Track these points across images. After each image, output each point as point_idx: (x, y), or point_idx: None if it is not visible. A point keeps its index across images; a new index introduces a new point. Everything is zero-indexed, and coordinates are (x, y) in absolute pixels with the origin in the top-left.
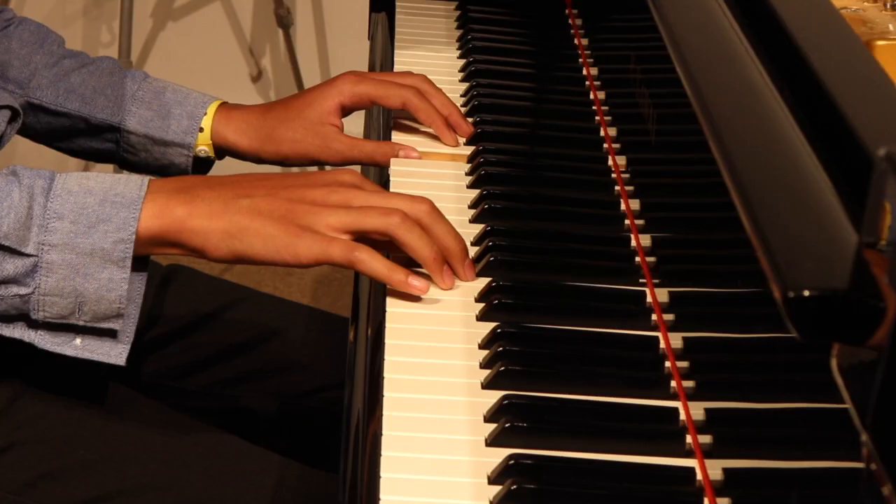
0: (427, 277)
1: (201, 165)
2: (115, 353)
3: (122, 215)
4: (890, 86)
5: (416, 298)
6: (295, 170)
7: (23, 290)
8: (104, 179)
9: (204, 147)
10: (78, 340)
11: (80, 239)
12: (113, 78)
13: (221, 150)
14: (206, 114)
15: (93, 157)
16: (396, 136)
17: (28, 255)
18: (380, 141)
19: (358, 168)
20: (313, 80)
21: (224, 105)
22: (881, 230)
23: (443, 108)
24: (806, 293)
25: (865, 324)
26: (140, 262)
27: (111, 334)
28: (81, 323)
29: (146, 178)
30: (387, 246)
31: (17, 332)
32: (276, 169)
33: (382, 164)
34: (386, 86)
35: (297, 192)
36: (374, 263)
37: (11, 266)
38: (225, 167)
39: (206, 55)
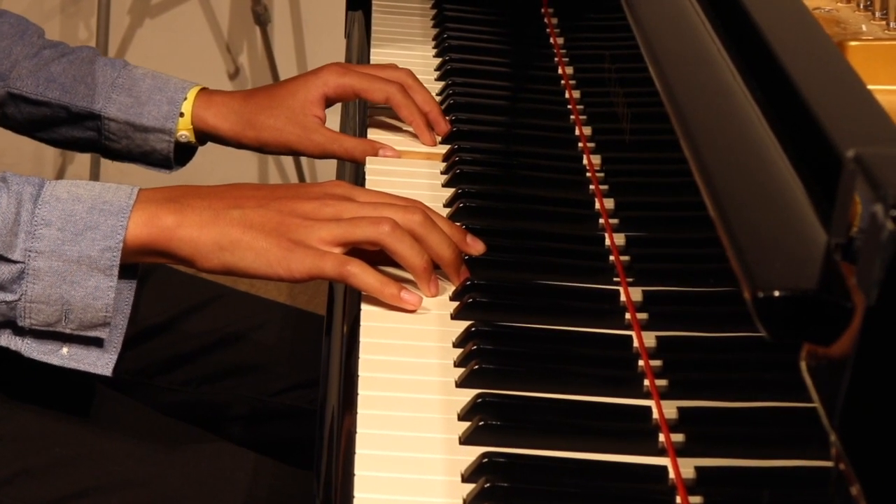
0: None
1: (184, 152)
2: (101, 364)
3: (109, 223)
4: (861, 87)
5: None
6: (273, 165)
7: (9, 297)
8: (93, 187)
9: (185, 132)
10: (65, 350)
11: (67, 246)
12: (93, 66)
13: (203, 136)
14: (186, 98)
15: (75, 146)
16: (372, 133)
17: (15, 262)
18: (361, 138)
19: (334, 162)
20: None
21: (204, 90)
22: (850, 231)
23: (424, 104)
24: (775, 293)
25: (834, 324)
26: (129, 271)
27: (98, 343)
28: (68, 331)
29: (136, 188)
30: (380, 255)
31: (4, 339)
32: (257, 164)
33: (360, 161)
34: (370, 79)
35: (289, 205)
36: (365, 277)
37: None
38: (212, 158)
39: (183, 52)
